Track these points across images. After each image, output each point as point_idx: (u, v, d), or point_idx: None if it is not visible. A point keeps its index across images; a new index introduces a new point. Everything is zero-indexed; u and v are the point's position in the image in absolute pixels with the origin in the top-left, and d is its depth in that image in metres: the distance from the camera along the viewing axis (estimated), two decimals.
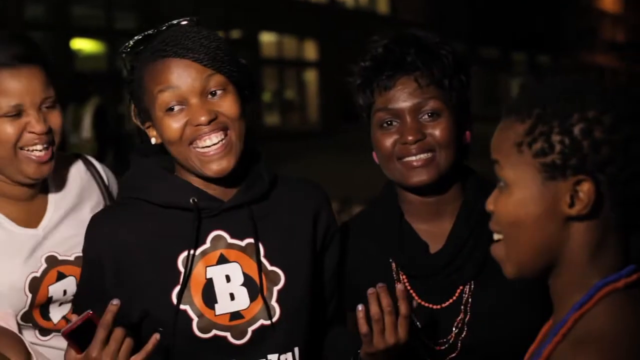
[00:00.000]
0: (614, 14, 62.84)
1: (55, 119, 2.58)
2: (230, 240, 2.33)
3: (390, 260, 2.52)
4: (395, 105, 2.45)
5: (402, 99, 2.45)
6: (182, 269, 2.29)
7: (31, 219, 2.64)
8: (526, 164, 1.61)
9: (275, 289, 2.33)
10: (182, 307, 2.28)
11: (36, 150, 2.54)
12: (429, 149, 2.42)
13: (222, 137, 2.25)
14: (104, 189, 2.81)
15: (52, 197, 2.69)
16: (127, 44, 2.37)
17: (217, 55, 2.25)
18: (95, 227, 2.37)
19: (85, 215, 2.63)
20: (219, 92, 2.25)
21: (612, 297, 1.60)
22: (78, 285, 2.50)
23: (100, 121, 12.01)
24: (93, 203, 2.75)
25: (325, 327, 2.49)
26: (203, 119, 2.22)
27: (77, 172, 2.78)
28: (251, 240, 2.33)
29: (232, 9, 22.93)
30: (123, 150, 12.13)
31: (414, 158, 2.43)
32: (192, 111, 2.24)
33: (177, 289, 2.28)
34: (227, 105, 2.26)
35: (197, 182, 2.33)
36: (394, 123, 2.45)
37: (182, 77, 2.24)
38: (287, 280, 2.34)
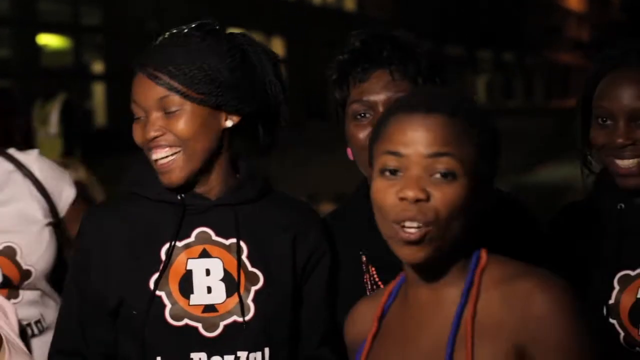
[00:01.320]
0: (578, 13, 63.25)
1: None
2: (214, 238, 2.39)
3: (360, 252, 2.54)
4: (369, 97, 2.46)
5: (376, 91, 2.46)
6: (163, 258, 2.36)
7: None
8: None
9: (254, 288, 2.38)
10: (157, 292, 2.34)
11: None
12: None
13: (168, 153, 2.34)
14: (34, 182, 2.93)
15: None
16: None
17: (179, 75, 2.32)
18: (90, 218, 2.45)
19: (8, 210, 2.86)
20: (173, 110, 2.33)
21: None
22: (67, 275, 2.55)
23: (67, 117, 11.95)
24: (18, 196, 2.91)
25: (312, 348, 2.50)
26: (148, 135, 2.32)
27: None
28: (234, 240, 2.39)
29: (197, 6, 22.85)
30: (91, 146, 12.09)
31: None
32: (146, 125, 2.34)
33: (156, 275, 2.35)
34: (179, 125, 2.32)
35: None
36: (368, 115, 2.46)
37: (141, 92, 2.34)
38: (265, 282, 2.39)
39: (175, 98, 2.31)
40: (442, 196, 1.87)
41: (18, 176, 2.90)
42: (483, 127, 1.95)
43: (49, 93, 11.90)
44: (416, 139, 1.90)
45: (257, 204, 2.44)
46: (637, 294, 2.43)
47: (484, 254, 1.95)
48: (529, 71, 56.40)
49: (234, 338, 2.35)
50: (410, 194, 1.86)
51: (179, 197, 2.38)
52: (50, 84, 12.53)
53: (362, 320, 2.10)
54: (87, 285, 2.39)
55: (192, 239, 2.39)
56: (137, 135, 2.35)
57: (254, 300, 2.37)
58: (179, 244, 2.38)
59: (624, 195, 2.48)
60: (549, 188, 13.82)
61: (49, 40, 21.55)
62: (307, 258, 2.46)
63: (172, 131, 2.32)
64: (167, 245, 2.37)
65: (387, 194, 1.91)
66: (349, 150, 2.53)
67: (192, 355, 2.35)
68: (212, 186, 2.40)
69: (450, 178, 1.88)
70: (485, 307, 1.89)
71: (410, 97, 2.01)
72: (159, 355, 2.34)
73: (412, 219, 1.86)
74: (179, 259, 2.37)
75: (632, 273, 2.45)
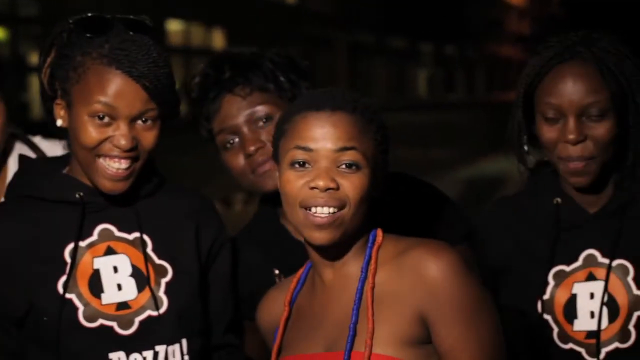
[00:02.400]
0: (519, 7, 63.87)
1: None
2: (117, 234, 2.33)
3: (274, 268, 2.58)
4: (230, 124, 2.58)
5: (233, 114, 2.58)
6: (69, 260, 2.28)
7: None
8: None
9: (164, 281, 2.34)
10: (67, 295, 2.26)
11: None
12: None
13: (130, 164, 2.25)
14: None
15: None
16: (81, 16, 2.30)
17: (163, 89, 2.24)
18: None
19: None
20: (148, 123, 2.25)
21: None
22: None
23: None
24: None
25: (219, 337, 2.47)
26: (124, 143, 2.21)
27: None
28: (137, 234, 2.34)
29: None
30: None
31: (262, 167, 2.57)
32: (117, 131, 2.22)
33: (64, 278, 2.27)
34: (150, 138, 2.26)
35: (85, 179, 2.31)
36: (235, 141, 2.60)
37: (125, 97, 2.21)
38: (174, 273, 2.35)
39: (156, 112, 2.24)
40: (350, 185, 2.10)
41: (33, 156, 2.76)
42: (379, 124, 2.17)
43: None
44: (324, 135, 2.11)
45: (155, 196, 2.39)
46: (571, 289, 2.42)
47: (379, 233, 2.17)
48: (471, 64, 56.86)
49: (150, 333, 2.30)
50: (321, 183, 2.08)
51: (77, 196, 2.30)
52: None
53: (273, 307, 2.26)
54: None
55: (95, 237, 2.32)
56: (93, 137, 2.21)
57: (165, 293, 2.33)
58: (82, 243, 2.31)
59: (561, 191, 2.46)
60: (489, 181, 13.92)
61: None
62: (210, 245, 2.44)
63: (142, 142, 2.24)
64: (70, 246, 2.29)
65: (297, 184, 2.11)
66: None
67: (110, 355, 2.28)
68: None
69: (354, 168, 2.11)
70: (383, 278, 2.10)
71: (313, 98, 2.20)
72: None
73: (323, 205, 2.08)
74: (85, 259, 2.30)
75: (567, 269, 2.44)
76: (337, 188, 2.08)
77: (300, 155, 2.10)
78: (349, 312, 2.09)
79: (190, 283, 2.37)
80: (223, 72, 2.57)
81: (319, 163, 2.10)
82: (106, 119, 2.22)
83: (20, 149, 2.82)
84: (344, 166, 2.09)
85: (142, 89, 2.21)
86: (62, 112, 2.28)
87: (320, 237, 2.09)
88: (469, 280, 2.07)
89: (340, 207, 2.08)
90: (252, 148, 2.56)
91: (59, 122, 2.29)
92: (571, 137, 2.35)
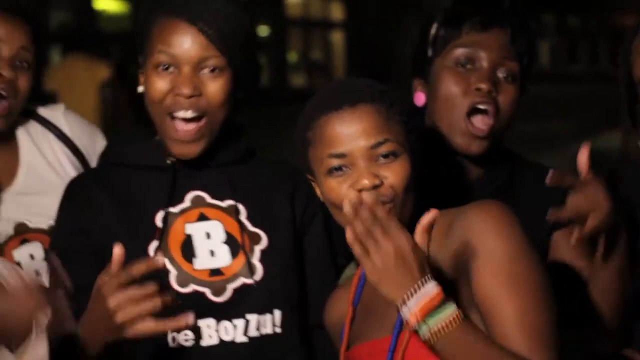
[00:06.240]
0: None
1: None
2: (210, 200, 2.31)
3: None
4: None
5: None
6: (160, 225, 2.28)
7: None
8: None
9: (258, 248, 2.31)
10: None
11: None
12: None
13: (196, 117, 2.23)
14: (65, 141, 2.70)
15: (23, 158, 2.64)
16: None
17: (228, 36, 2.23)
18: (74, 190, 2.36)
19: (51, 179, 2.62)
20: (213, 72, 2.24)
21: None
22: (54, 245, 2.43)
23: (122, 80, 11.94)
24: (55, 160, 2.68)
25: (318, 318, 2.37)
26: (186, 91, 2.21)
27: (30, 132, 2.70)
28: (231, 202, 2.32)
29: None
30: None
31: None
32: (179, 79, 2.22)
33: (155, 243, 2.26)
34: (215, 89, 2.24)
35: None
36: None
37: (183, 42, 2.22)
38: (269, 241, 2.32)
39: (221, 60, 2.24)
40: (393, 174, 2.05)
41: (51, 137, 2.71)
42: (398, 103, 2.11)
43: (103, 57, 11.88)
44: (353, 135, 2.05)
45: (247, 164, 2.38)
46: None
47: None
48: (594, 35, 55.65)
49: (243, 301, 2.27)
50: (367, 182, 2.02)
51: (168, 162, 2.30)
52: (105, 48, 12.50)
53: (339, 306, 2.22)
54: (86, 249, 2.28)
55: (186, 203, 2.30)
56: (158, 88, 2.23)
57: (260, 261, 2.30)
58: (174, 209, 2.29)
59: None
60: (607, 156, 13.56)
61: (106, 4, 21.60)
62: (302, 213, 2.40)
63: (207, 92, 2.24)
64: (161, 212, 2.29)
65: (341, 190, 2.05)
66: (419, 97, 2.50)
67: (200, 322, 2.25)
68: (208, 148, 2.31)
69: (392, 157, 2.06)
70: (435, 251, 2.00)
71: (328, 96, 2.13)
72: None
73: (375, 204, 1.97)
74: (176, 224, 2.29)
75: None
76: (382, 183, 2.04)
77: (335, 162, 2.06)
78: None
79: (286, 251, 2.34)
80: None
81: (357, 164, 2.05)
82: (170, 69, 2.22)
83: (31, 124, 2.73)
84: (382, 158, 2.06)
85: (201, 34, 2.20)
86: (142, 79, 2.30)
87: None
88: (515, 233, 1.96)
89: (390, 199, 2.04)
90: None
91: (140, 88, 2.30)
92: None
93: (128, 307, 1.97)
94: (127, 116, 10.96)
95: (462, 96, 2.36)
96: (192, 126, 2.24)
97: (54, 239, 2.42)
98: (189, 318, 2.01)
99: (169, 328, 2.03)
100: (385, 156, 2.05)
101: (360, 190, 2.02)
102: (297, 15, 28.17)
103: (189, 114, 2.22)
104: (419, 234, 1.96)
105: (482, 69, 2.36)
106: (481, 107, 2.36)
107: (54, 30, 13.42)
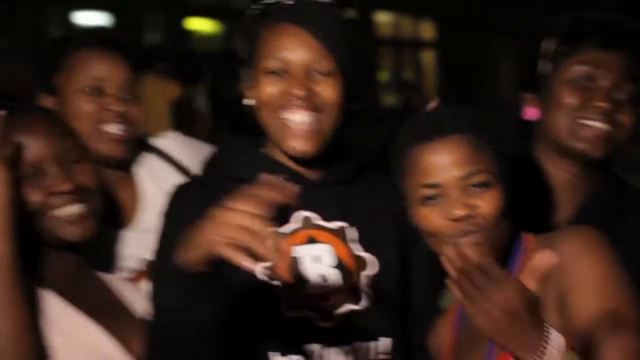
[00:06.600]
0: None
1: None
2: (319, 222, 2.26)
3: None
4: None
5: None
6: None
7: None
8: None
9: (367, 274, 2.26)
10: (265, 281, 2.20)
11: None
12: None
13: (312, 118, 2.19)
14: (183, 171, 2.77)
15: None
16: (254, 7, 2.35)
17: (338, 40, 2.22)
18: (180, 194, 2.32)
19: None
20: (324, 73, 2.22)
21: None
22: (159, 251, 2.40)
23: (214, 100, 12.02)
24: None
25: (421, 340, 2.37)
26: (298, 92, 2.18)
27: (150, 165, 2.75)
28: (340, 224, 2.27)
29: None
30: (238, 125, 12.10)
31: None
32: (291, 81, 2.20)
33: (264, 263, 2.16)
34: (327, 89, 2.21)
35: (284, 159, 2.27)
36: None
37: (293, 46, 2.20)
38: (377, 266, 2.28)
39: (331, 61, 2.24)
40: (485, 203, 2.12)
41: (169, 169, 2.68)
42: (487, 131, 2.16)
43: (195, 77, 11.99)
44: (446, 166, 2.13)
45: (356, 183, 2.33)
46: None
47: (529, 239, 2.18)
48: None
49: (349, 327, 2.23)
50: (460, 212, 2.10)
51: (281, 178, 2.20)
52: (197, 68, 12.61)
53: (442, 333, 2.27)
54: None
55: (297, 224, 2.24)
56: (268, 91, 2.22)
57: (368, 287, 2.25)
58: (284, 230, 2.24)
59: None
60: None
61: (198, 24, 21.84)
62: (406, 234, 2.34)
63: (320, 93, 2.23)
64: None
65: (435, 218, 2.14)
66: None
67: (305, 347, 2.20)
68: (317, 165, 2.29)
69: (485, 187, 2.13)
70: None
71: (420, 126, 2.17)
72: (270, 350, 2.20)
73: (467, 234, 2.10)
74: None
75: None
76: (474, 213, 2.13)
77: (428, 192, 2.15)
78: None
79: (393, 278, 2.29)
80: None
81: (449, 194, 2.13)
82: (282, 74, 2.21)
83: (149, 158, 2.69)
84: (473, 187, 2.14)
85: (309, 35, 2.18)
86: (250, 93, 2.28)
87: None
88: (607, 258, 2.01)
89: (482, 228, 2.12)
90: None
91: (248, 101, 2.28)
92: None
93: (239, 234, 1.88)
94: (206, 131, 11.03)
95: (581, 109, 2.41)
96: (306, 121, 2.22)
97: (157, 249, 2.36)
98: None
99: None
100: (477, 185, 2.13)
101: (453, 220, 2.10)
102: (388, 35, 28.15)
103: (304, 117, 2.21)
104: (533, 280, 1.88)
105: (603, 88, 2.37)
106: (596, 125, 2.41)
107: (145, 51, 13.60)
